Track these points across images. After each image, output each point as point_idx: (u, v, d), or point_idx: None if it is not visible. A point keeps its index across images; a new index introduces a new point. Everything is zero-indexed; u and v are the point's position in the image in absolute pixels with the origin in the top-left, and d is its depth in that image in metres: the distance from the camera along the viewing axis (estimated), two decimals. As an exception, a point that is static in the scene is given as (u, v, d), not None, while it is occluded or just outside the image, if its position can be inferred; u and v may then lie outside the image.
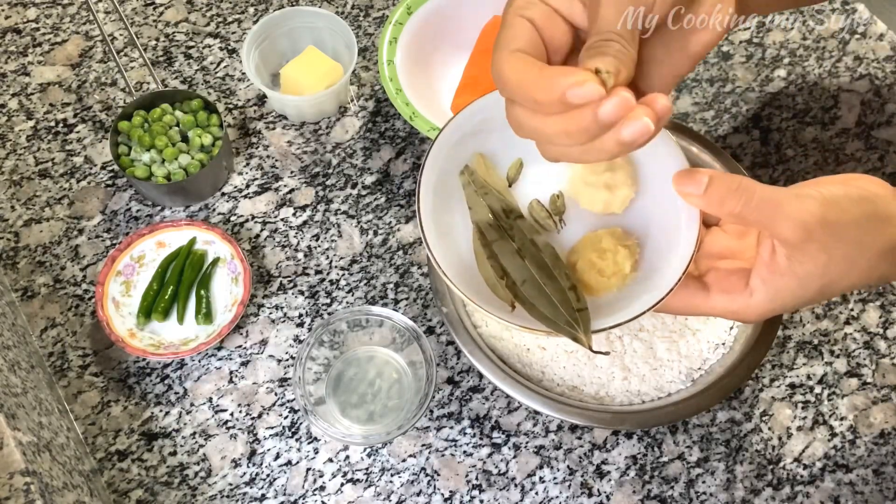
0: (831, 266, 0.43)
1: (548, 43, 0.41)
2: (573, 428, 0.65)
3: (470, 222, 0.51)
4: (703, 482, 0.64)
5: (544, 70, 0.38)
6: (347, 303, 0.70)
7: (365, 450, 0.64)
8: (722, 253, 0.49)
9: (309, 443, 0.64)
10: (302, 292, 0.70)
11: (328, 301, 0.70)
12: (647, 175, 0.51)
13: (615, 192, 0.50)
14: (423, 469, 0.64)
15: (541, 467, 0.64)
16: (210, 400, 0.66)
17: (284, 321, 0.69)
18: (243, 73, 0.79)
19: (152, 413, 0.65)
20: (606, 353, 0.49)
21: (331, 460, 0.64)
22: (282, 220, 0.73)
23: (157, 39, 0.81)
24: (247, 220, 0.73)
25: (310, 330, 0.68)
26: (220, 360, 0.67)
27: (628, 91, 0.36)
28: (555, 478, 0.64)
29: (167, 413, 0.65)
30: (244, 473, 0.63)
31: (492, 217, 0.51)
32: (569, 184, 0.52)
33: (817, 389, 0.67)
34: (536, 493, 0.63)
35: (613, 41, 0.38)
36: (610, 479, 0.64)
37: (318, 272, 0.71)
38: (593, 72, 0.37)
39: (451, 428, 0.65)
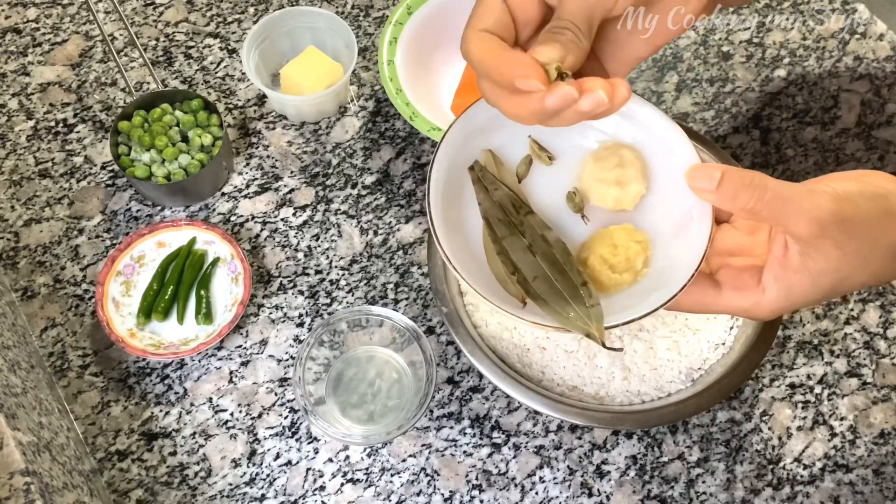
0: (844, 262, 0.43)
1: (517, 18, 0.44)
2: (573, 428, 0.65)
3: (480, 218, 0.50)
4: (703, 482, 0.64)
5: (502, 55, 0.42)
6: (347, 303, 0.70)
7: (365, 450, 0.64)
8: (732, 249, 0.48)
9: (309, 443, 0.64)
10: (302, 292, 0.70)
11: (328, 301, 0.70)
12: (658, 171, 0.50)
13: (626, 188, 0.50)
14: (423, 469, 0.64)
15: (541, 467, 0.64)
16: (210, 400, 0.66)
17: (284, 321, 0.69)
18: (243, 73, 0.79)
19: (152, 413, 0.65)
20: (620, 350, 0.48)
21: (331, 460, 0.64)
22: (282, 220, 0.73)
23: (157, 39, 0.81)
24: (247, 220, 0.73)
25: (310, 330, 0.68)
26: (220, 360, 0.67)
27: (571, 85, 0.40)
28: (555, 478, 0.64)
29: (167, 413, 0.65)
30: (244, 473, 0.63)
31: (502, 213, 0.50)
32: (579, 180, 0.52)
33: (817, 389, 0.67)
34: (536, 493, 0.63)
35: (568, 30, 0.41)
36: (610, 479, 0.64)
37: (318, 272, 0.71)
38: (541, 65, 0.41)
39: (451, 428, 0.65)
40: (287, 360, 0.67)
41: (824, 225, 0.41)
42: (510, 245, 0.49)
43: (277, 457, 0.64)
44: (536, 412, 0.65)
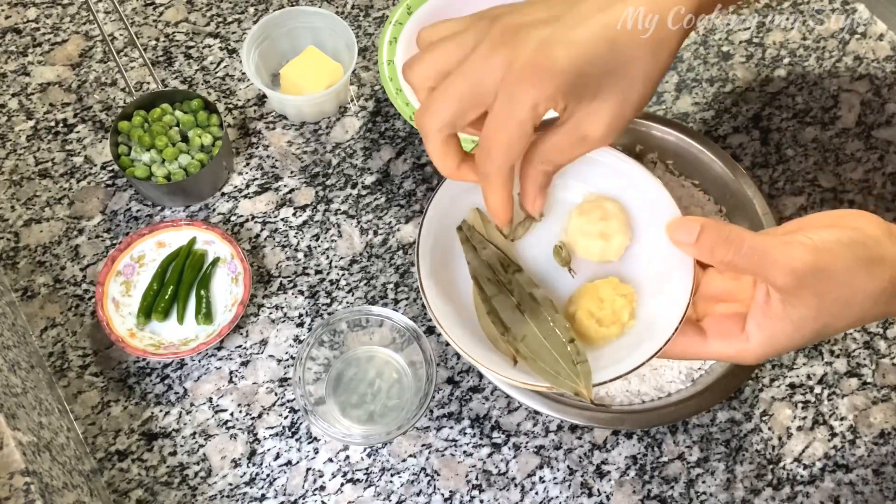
0: (824, 310, 0.44)
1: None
2: (573, 428, 0.65)
3: (470, 277, 0.52)
4: (703, 482, 0.64)
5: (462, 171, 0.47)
6: (347, 303, 0.70)
7: (365, 450, 0.64)
8: (719, 295, 0.49)
9: (309, 443, 0.64)
10: (302, 292, 0.70)
11: (328, 301, 0.70)
12: (642, 222, 0.52)
13: (610, 240, 0.51)
14: (423, 469, 0.64)
15: (541, 467, 0.64)
16: (210, 400, 0.66)
17: (284, 321, 0.69)
18: (243, 73, 0.79)
19: (152, 413, 0.65)
20: (609, 406, 0.49)
21: (331, 460, 0.64)
22: (282, 220, 0.73)
23: (157, 39, 0.81)
24: (247, 220, 0.73)
25: (310, 330, 0.68)
26: (220, 360, 0.67)
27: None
28: (555, 478, 0.64)
29: (167, 413, 0.65)
30: (244, 473, 0.63)
31: (490, 271, 0.51)
32: (565, 234, 0.53)
33: (817, 389, 0.67)
34: (536, 493, 0.63)
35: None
36: (610, 479, 0.64)
37: (318, 272, 0.71)
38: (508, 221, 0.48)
39: (451, 428, 0.65)
40: (287, 360, 0.67)
41: (801, 276, 0.42)
42: (499, 304, 0.50)
43: (277, 457, 0.64)
44: (536, 412, 0.65)
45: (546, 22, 0.42)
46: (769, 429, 0.66)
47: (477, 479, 0.64)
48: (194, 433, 0.65)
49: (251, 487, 0.63)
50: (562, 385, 0.47)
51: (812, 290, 0.43)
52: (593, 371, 0.47)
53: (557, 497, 0.63)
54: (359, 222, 0.73)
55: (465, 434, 0.65)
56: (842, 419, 0.66)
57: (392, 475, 0.63)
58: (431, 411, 0.65)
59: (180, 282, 0.68)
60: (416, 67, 0.45)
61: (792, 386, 0.67)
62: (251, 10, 0.83)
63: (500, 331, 0.49)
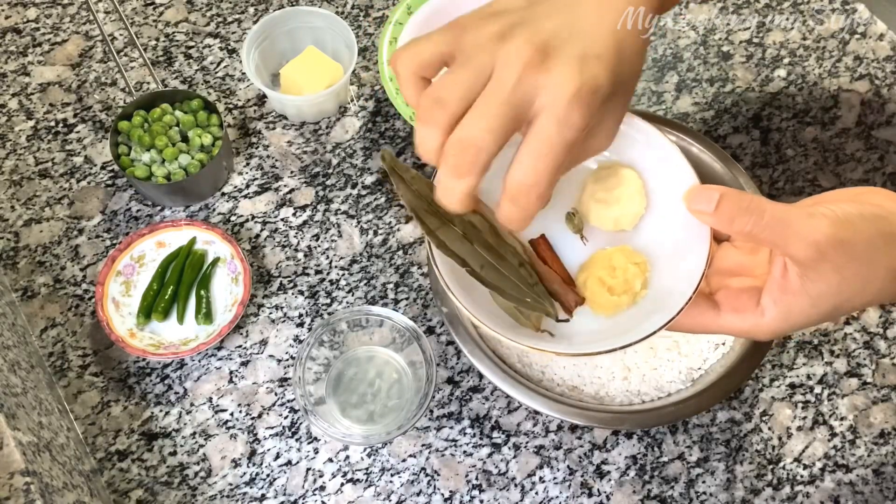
0: (844, 285, 0.43)
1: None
2: (573, 428, 0.65)
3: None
4: (703, 482, 0.64)
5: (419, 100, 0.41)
6: (347, 303, 0.70)
7: (365, 450, 0.64)
8: (733, 269, 0.48)
9: (309, 443, 0.64)
10: (302, 292, 0.70)
11: (328, 301, 0.70)
12: (658, 191, 0.50)
13: (625, 208, 0.50)
14: (423, 469, 0.64)
15: (541, 467, 0.64)
16: (210, 400, 0.66)
17: (284, 321, 0.69)
18: (243, 73, 0.79)
19: (152, 413, 0.65)
20: (567, 320, 0.48)
21: (331, 460, 0.64)
22: (282, 220, 0.73)
23: (157, 39, 0.81)
24: (247, 220, 0.73)
25: (310, 330, 0.68)
26: (220, 360, 0.67)
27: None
28: (555, 478, 0.64)
29: (167, 413, 0.65)
30: (244, 473, 0.63)
31: (426, 203, 0.48)
32: (579, 201, 0.52)
33: (817, 389, 0.67)
34: (536, 493, 0.63)
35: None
36: (610, 479, 0.64)
37: (318, 272, 0.71)
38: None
39: (451, 428, 0.65)
40: (287, 360, 0.67)
41: (823, 248, 0.41)
42: (446, 236, 0.48)
43: (277, 457, 0.64)
44: (536, 412, 0.65)
45: (558, 33, 0.40)
46: (769, 429, 0.66)
47: (477, 479, 0.64)
48: (194, 433, 0.65)
49: (251, 487, 0.63)
50: (534, 309, 0.46)
51: (832, 264, 0.42)
52: (604, 339, 0.46)
53: (557, 497, 0.63)
54: (359, 222, 0.73)
55: (465, 434, 0.65)
56: (842, 419, 0.66)
57: (392, 475, 0.63)
58: (431, 411, 0.65)
59: (180, 282, 0.68)
60: (440, 93, 0.40)
61: (792, 386, 0.67)
62: (251, 10, 0.83)
63: (460, 264, 0.47)
